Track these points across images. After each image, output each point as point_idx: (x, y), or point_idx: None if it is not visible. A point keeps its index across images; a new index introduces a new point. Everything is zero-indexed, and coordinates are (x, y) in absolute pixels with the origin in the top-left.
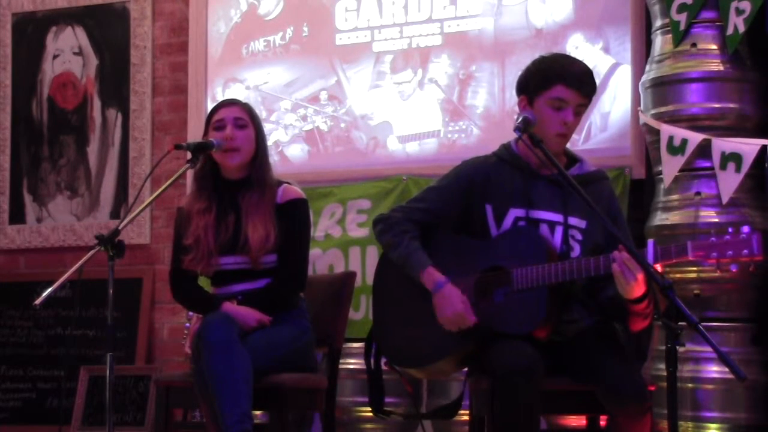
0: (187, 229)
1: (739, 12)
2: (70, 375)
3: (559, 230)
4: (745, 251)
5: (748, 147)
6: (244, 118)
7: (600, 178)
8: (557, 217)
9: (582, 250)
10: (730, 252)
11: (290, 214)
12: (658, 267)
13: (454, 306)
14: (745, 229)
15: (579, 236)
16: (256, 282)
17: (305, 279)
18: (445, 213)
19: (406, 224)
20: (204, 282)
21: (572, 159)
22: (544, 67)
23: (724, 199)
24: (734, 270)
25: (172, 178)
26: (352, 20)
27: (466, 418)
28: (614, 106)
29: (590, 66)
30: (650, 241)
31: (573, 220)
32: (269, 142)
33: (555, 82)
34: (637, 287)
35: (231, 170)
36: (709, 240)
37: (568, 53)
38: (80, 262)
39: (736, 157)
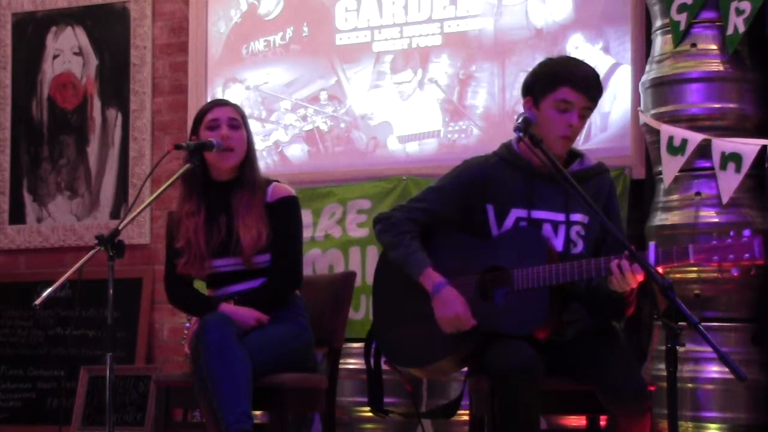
0: (178, 232)
1: (739, 12)
2: (70, 375)
3: (561, 230)
4: (747, 255)
5: (748, 147)
6: (237, 119)
7: (600, 172)
8: (560, 217)
9: (585, 246)
10: (731, 256)
11: (281, 212)
12: (660, 269)
13: (452, 308)
14: (747, 232)
15: (582, 232)
16: (251, 282)
17: (301, 275)
18: (446, 213)
19: (406, 224)
20: (199, 285)
21: (573, 155)
22: (551, 69)
23: (724, 200)
24: (735, 274)
25: (172, 178)
26: (352, 20)
27: (466, 418)
28: (614, 106)
29: (593, 67)
30: (651, 244)
31: (576, 217)
32: (269, 142)
33: (561, 84)
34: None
35: (223, 171)
36: (711, 243)
37: (568, 53)
38: (80, 262)
39: (736, 157)
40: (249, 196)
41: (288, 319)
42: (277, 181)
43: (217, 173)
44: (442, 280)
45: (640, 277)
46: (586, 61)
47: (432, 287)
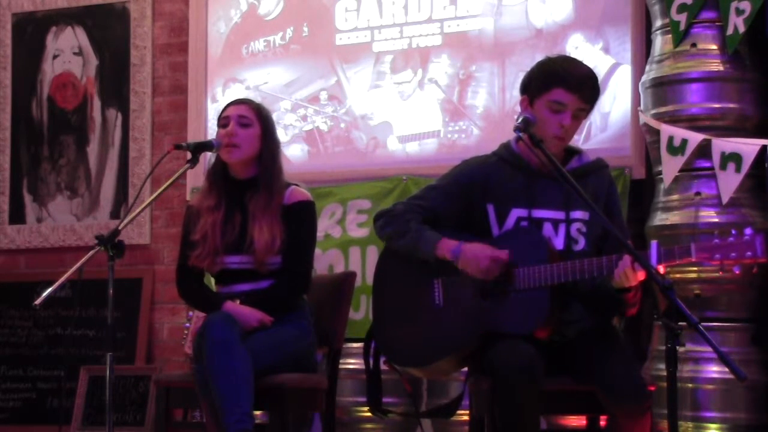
0: (196, 225)
1: (739, 12)
2: (70, 375)
3: (562, 228)
4: (749, 253)
5: (748, 147)
6: (248, 117)
7: (599, 168)
8: (560, 215)
9: (587, 243)
10: (733, 254)
11: (296, 217)
12: (661, 268)
13: (482, 258)
14: (748, 230)
15: (584, 229)
16: (260, 282)
17: (309, 281)
18: (445, 212)
19: (408, 214)
20: (209, 280)
21: (571, 152)
22: (547, 69)
23: (724, 199)
24: (737, 272)
25: (172, 178)
26: (352, 20)
27: (466, 418)
28: (614, 106)
29: (590, 66)
30: (653, 243)
31: (576, 214)
32: None
33: (555, 85)
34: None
35: (238, 168)
36: (713, 242)
37: (568, 53)
38: (80, 262)
39: (736, 157)
40: (266, 198)
41: (292, 322)
42: (297, 184)
43: (234, 171)
44: (458, 244)
45: (641, 276)
46: (585, 62)
47: (451, 254)
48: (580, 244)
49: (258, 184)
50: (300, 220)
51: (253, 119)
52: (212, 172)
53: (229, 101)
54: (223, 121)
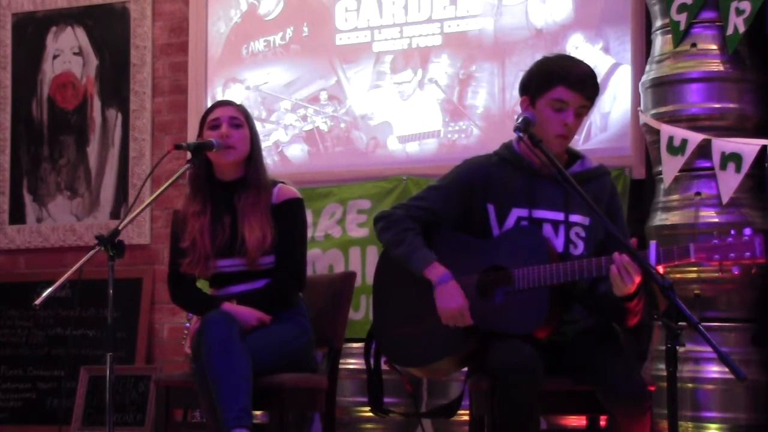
0: (184, 231)
1: (739, 12)
2: (70, 375)
3: (561, 230)
4: (748, 253)
5: (748, 147)
6: (239, 118)
7: (601, 174)
8: (559, 216)
9: (586, 248)
10: (732, 254)
11: (286, 214)
12: (660, 268)
13: (454, 302)
14: (748, 231)
15: (583, 233)
16: (254, 283)
17: (304, 278)
18: (446, 212)
19: (407, 222)
20: (202, 284)
21: (574, 156)
22: (546, 68)
23: (724, 199)
24: (736, 272)
25: (172, 178)
26: (352, 20)
27: (466, 418)
28: (614, 106)
29: (590, 66)
30: (653, 243)
31: (576, 218)
32: (269, 142)
33: (556, 84)
34: (631, 287)
35: (226, 170)
36: (712, 242)
37: (568, 53)
38: (80, 262)
39: (736, 157)
40: (254, 197)
41: (289, 320)
42: (284, 182)
43: (222, 173)
44: (448, 273)
45: (638, 278)
46: (585, 61)
47: (437, 279)
48: (579, 248)
49: (245, 184)
50: (290, 217)
51: (243, 120)
52: (195, 176)
53: (212, 104)
54: (213, 122)
